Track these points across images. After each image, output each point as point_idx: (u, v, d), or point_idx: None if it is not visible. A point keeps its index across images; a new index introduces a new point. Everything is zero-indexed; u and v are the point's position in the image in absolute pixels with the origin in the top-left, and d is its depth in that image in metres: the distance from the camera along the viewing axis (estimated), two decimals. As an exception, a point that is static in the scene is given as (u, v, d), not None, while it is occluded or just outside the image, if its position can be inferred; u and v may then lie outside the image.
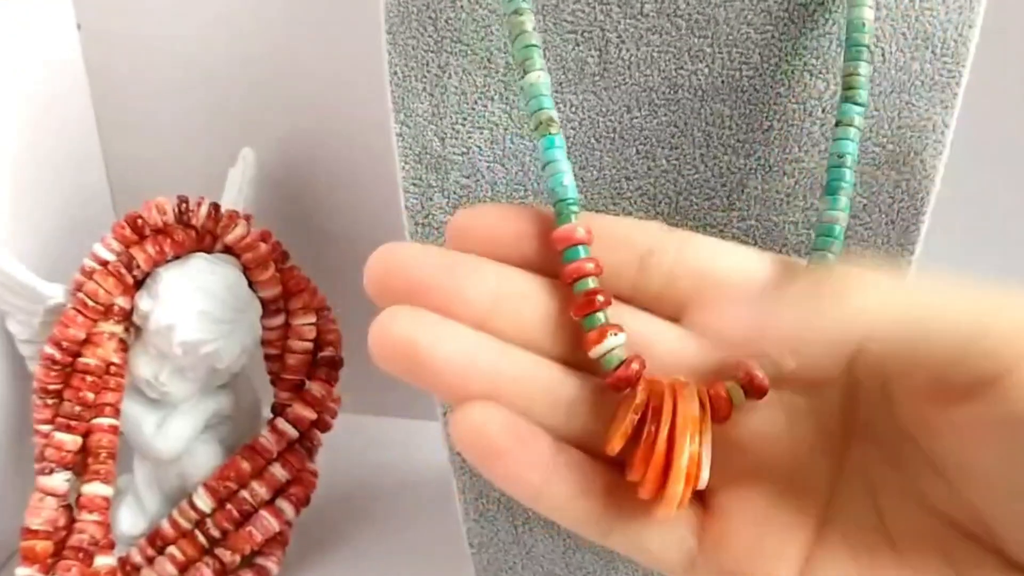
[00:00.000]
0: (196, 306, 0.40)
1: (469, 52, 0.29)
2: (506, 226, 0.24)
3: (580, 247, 0.23)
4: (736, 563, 0.23)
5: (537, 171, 0.30)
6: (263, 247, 0.42)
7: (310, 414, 0.43)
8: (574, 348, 0.23)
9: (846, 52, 0.26)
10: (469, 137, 0.30)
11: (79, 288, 0.39)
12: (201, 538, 0.42)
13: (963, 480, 0.21)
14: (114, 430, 0.40)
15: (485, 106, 0.30)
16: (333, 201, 0.51)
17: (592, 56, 0.29)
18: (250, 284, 0.42)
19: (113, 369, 0.40)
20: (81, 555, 0.38)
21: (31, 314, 0.41)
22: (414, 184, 0.31)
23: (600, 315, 0.23)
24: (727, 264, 0.24)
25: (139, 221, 0.40)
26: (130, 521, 0.43)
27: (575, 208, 0.23)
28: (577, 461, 0.23)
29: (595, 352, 0.23)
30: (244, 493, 0.42)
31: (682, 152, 0.30)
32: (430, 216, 0.31)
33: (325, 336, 0.44)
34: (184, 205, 0.40)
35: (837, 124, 0.25)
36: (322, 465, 0.45)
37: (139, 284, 0.40)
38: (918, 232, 0.30)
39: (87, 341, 0.39)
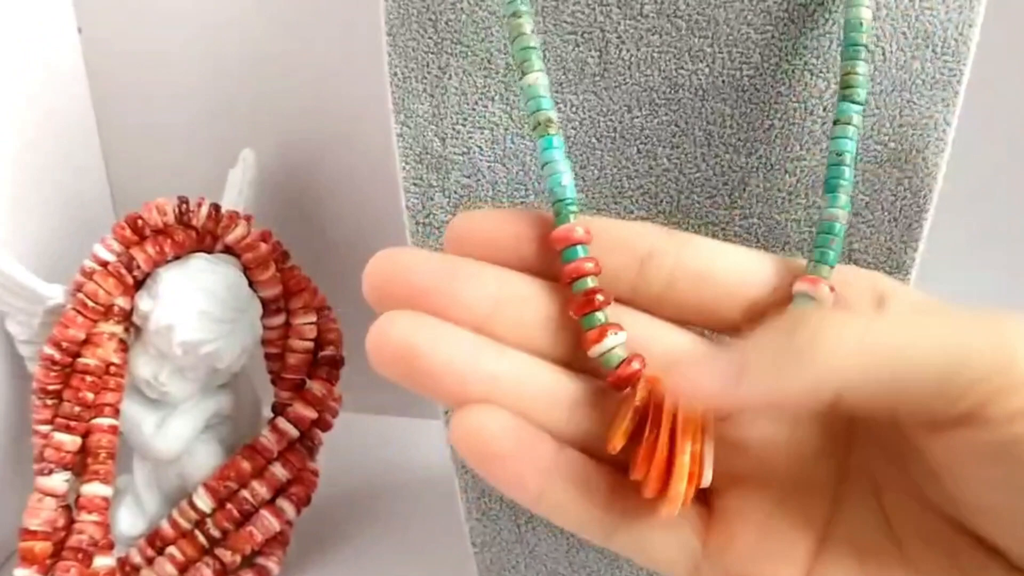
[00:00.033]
0: (196, 306, 0.40)
1: (469, 53, 0.29)
2: (505, 229, 0.24)
3: (579, 247, 0.23)
4: (740, 565, 0.23)
5: (537, 171, 0.30)
6: (263, 247, 0.42)
7: (311, 413, 0.43)
8: (574, 350, 0.23)
9: (844, 51, 0.26)
10: (470, 137, 0.30)
11: (79, 289, 0.39)
12: (201, 538, 0.42)
13: (961, 494, 0.21)
14: (113, 430, 0.40)
15: (485, 106, 0.30)
16: (334, 202, 0.51)
17: (592, 56, 0.29)
18: (251, 284, 0.42)
19: (113, 369, 0.40)
20: (80, 556, 0.38)
21: (31, 315, 0.41)
22: (415, 184, 0.31)
23: (600, 314, 0.23)
24: (727, 265, 0.24)
25: (139, 222, 0.40)
26: (129, 521, 0.43)
27: (574, 208, 0.23)
28: (578, 463, 0.23)
29: (595, 351, 0.23)
30: (244, 493, 0.42)
31: (683, 151, 0.30)
32: (431, 216, 0.31)
33: (326, 335, 0.44)
34: (184, 206, 0.40)
35: (835, 123, 0.25)
36: (323, 464, 0.44)
37: (139, 284, 0.40)
38: (921, 229, 0.30)
39: (87, 341, 0.39)
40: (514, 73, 0.29)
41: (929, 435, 0.21)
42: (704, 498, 0.23)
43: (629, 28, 0.28)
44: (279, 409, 0.44)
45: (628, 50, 0.29)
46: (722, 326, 0.25)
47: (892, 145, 0.29)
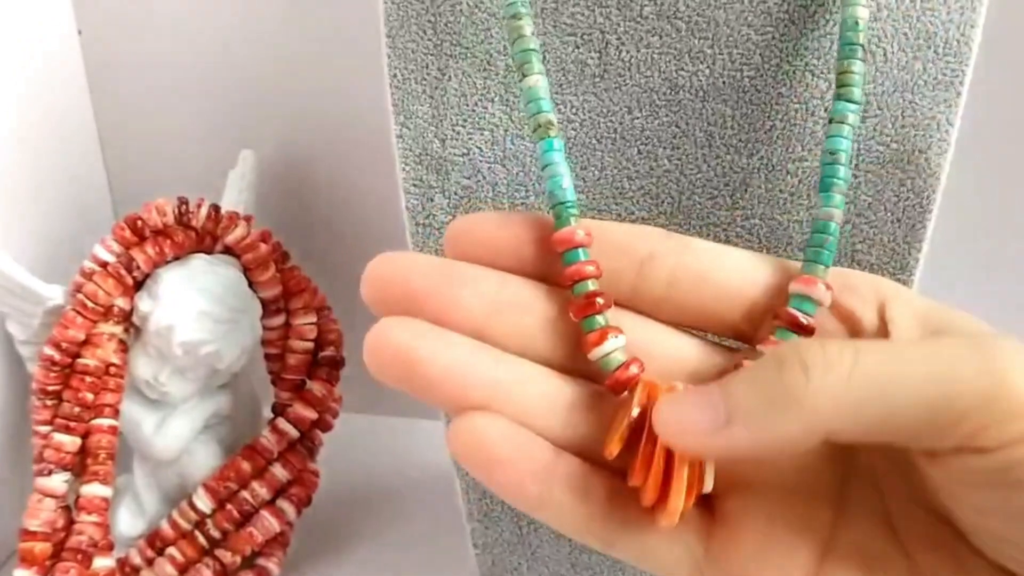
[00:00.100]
0: (196, 307, 0.40)
1: (469, 55, 0.29)
2: (504, 232, 0.24)
3: (580, 250, 0.23)
4: (743, 570, 0.23)
5: (537, 172, 0.30)
6: (263, 247, 0.42)
7: (311, 414, 0.43)
8: (572, 353, 0.23)
9: (840, 50, 0.26)
10: (469, 138, 0.30)
11: (79, 289, 0.39)
12: (201, 539, 0.42)
13: (960, 515, 0.21)
14: (113, 431, 0.39)
15: (485, 108, 0.30)
16: (334, 202, 0.51)
17: (592, 58, 0.29)
18: (250, 284, 0.42)
19: (112, 370, 0.39)
20: (80, 556, 0.38)
21: (30, 315, 0.41)
22: (415, 185, 0.31)
23: (600, 317, 0.23)
24: (727, 268, 0.24)
25: (139, 223, 0.40)
26: (129, 522, 0.43)
27: (574, 211, 0.23)
28: (577, 470, 0.22)
29: (594, 354, 0.23)
30: (244, 493, 0.42)
31: (684, 152, 0.30)
32: (431, 217, 0.31)
33: (326, 336, 0.44)
34: (184, 206, 0.40)
35: (830, 121, 0.25)
36: (323, 465, 0.44)
37: (139, 285, 0.40)
38: (924, 230, 0.30)
39: (86, 342, 0.39)
40: (514, 74, 0.29)
41: (926, 459, 0.21)
42: (706, 502, 0.23)
43: (629, 29, 0.28)
44: (279, 410, 0.44)
45: (628, 51, 0.29)
46: (722, 328, 0.25)
47: (895, 146, 0.29)
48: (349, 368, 0.44)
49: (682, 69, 0.29)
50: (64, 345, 0.39)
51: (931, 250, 0.30)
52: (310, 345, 0.44)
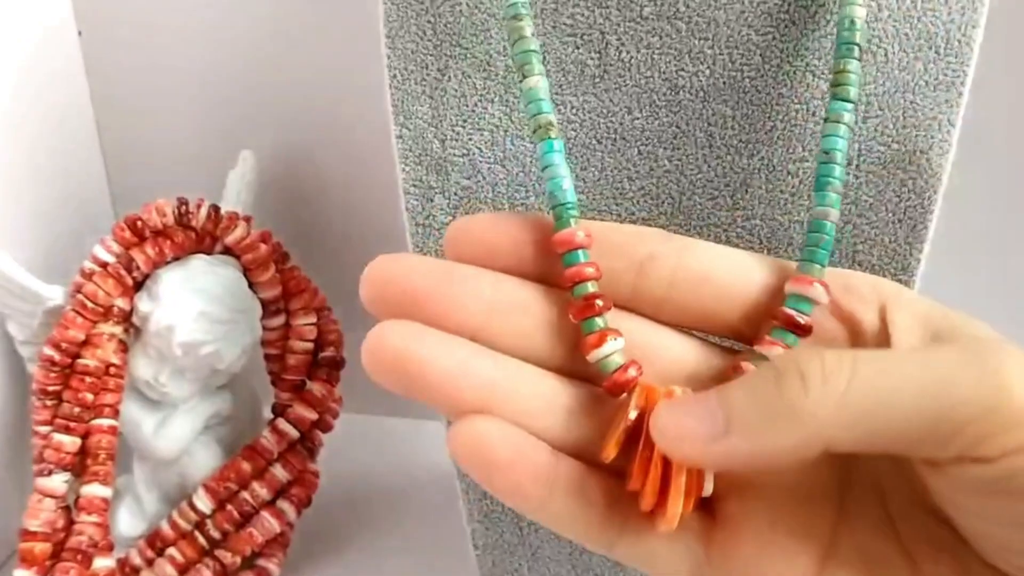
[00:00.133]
0: (196, 307, 0.40)
1: (468, 55, 0.29)
2: (503, 233, 0.24)
3: (580, 251, 0.23)
4: (744, 573, 0.23)
5: (537, 172, 0.30)
6: (263, 248, 0.42)
7: (311, 414, 0.43)
8: (571, 355, 0.23)
9: (836, 50, 0.26)
10: (469, 139, 0.30)
11: (78, 290, 0.39)
12: (201, 539, 0.41)
13: (961, 522, 0.21)
14: (113, 431, 0.39)
15: (485, 108, 0.30)
16: (333, 202, 0.51)
17: (592, 58, 0.29)
18: (250, 285, 0.42)
19: (112, 370, 0.39)
20: (80, 557, 0.38)
21: (30, 316, 0.41)
22: (415, 186, 0.31)
23: (599, 319, 0.23)
24: (727, 268, 0.24)
25: (139, 223, 0.40)
26: (129, 522, 0.43)
27: (574, 212, 0.23)
28: (576, 473, 0.22)
29: (593, 356, 0.23)
30: (244, 494, 0.42)
31: (684, 152, 0.30)
32: (431, 217, 0.31)
33: (326, 336, 0.44)
34: (184, 207, 0.40)
35: (826, 121, 0.25)
36: (324, 466, 0.44)
37: (139, 286, 0.40)
38: (926, 231, 0.30)
39: (86, 342, 0.39)
40: (514, 75, 0.29)
41: (926, 468, 0.20)
42: (707, 505, 0.23)
43: (629, 30, 0.28)
44: (279, 410, 0.44)
45: (628, 52, 0.29)
46: (722, 329, 0.25)
47: (896, 146, 0.29)
48: (349, 368, 0.44)
49: (682, 69, 0.29)
50: (64, 345, 0.39)
51: (932, 251, 0.30)
52: (310, 346, 0.44)
